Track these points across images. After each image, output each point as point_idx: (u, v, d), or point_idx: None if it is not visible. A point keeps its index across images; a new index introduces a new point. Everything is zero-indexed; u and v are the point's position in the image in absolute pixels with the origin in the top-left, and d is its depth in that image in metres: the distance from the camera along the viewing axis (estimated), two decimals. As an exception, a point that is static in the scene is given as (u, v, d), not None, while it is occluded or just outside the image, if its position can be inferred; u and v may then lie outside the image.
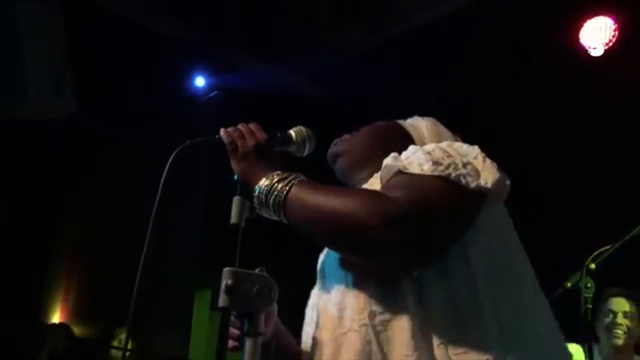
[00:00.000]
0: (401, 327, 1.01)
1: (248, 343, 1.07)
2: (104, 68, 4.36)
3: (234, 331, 1.14)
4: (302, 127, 1.22)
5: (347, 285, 1.09)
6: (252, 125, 1.16)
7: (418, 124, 1.31)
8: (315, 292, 1.19)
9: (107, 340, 4.04)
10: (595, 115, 3.27)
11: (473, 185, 1.03)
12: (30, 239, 5.31)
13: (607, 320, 2.75)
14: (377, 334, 1.03)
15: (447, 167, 1.03)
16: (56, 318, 5.28)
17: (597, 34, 3.33)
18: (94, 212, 5.23)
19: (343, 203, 1.01)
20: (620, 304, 2.74)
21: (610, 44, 3.32)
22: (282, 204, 1.06)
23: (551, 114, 3.39)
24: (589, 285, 2.04)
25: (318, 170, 1.24)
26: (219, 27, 4.29)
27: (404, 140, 1.25)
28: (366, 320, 1.04)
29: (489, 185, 1.04)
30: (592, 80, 3.27)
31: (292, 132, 1.21)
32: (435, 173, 1.02)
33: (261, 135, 1.14)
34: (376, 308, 1.04)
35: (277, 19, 4.24)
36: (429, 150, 1.07)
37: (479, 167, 1.05)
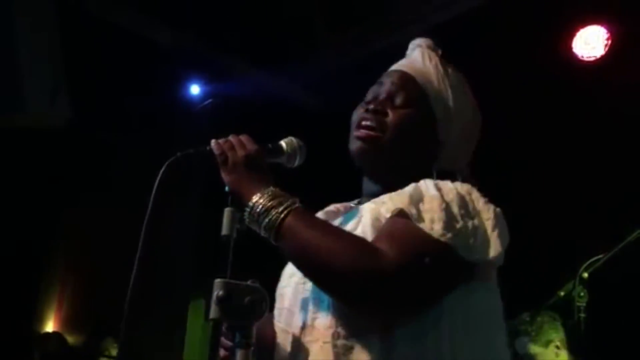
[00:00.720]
0: (361, 354, 1.02)
1: (239, 355, 1.07)
2: (99, 76, 4.35)
3: (225, 342, 1.14)
4: (292, 138, 1.21)
5: (323, 299, 1.09)
6: (242, 137, 1.15)
7: (447, 109, 1.23)
8: (292, 278, 1.18)
9: (92, 349, 4.02)
10: (589, 122, 3.28)
11: (474, 258, 1.03)
12: (26, 248, 5.29)
13: None
14: (337, 356, 1.04)
15: (457, 234, 1.02)
16: (49, 327, 5.25)
17: (589, 43, 3.35)
18: (91, 221, 5.21)
19: (334, 249, 1.01)
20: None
21: (604, 53, 3.34)
22: (274, 229, 1.05)
23: (545, 122, 3.40)
24: (582, 294, 2.05)
25: (306, 178, 1.24)
26: (214, 34, 4.29)
27: (432, 135, 1.22)
28: (329, 339, 1.05)
29: (488, 258, 1.04)
30: (585, 89, 3.29)
31: (282, 143, 1.21)
32: (442, 239, 1.01)
33: (251, 147, 1.14)
34: (341, 331, 1.05)
35: (272, 26, 4.25)
36: (447, 201, 1.04)
37: (488, 233, 1.05)
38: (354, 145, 1.22)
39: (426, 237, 1.01)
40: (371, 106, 1.23)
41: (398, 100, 1.22)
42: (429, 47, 1.31)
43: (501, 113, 3.47)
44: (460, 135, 1.25)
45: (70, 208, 5.49)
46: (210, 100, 4.48)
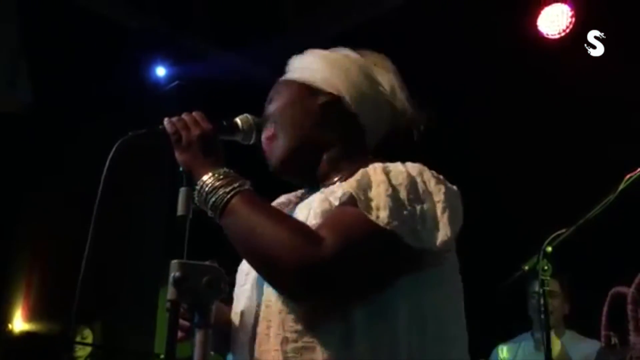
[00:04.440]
0: (313, 344, 1.01)
1: (198, 335, 1.06)
2: (60, 59, 4.25)
3: (184, 323, 1.13)
4: (248, 115, 1.20)
5: (275, 295, 1.07)
6: (196, 115, 1.13)
7: (316, 70, 1.20)
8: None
9: (65, 337, 3.98)
10: (553, 100, 3.32)
11: (421, 245, 1.00)
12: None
13: (534, 301, 2.87)
14: (285, 341, 1.03)
15: (403, 221, 0.99)
16: (17, 316, 5.17)
17: (554, 21, 3.37)
18: (56, 209, 5.12)
19: (273, 235, 0.99)
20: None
21: (567, 31, 3.37)
22: (219, 210, 1.04)
23: (509, 100, 3.43)
24: (546, 268, 2.08)
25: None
26: (179, 16, 4.22)
27: (319, 99, 1.18)
28: (278, 346, 1.03)
29: (437, 244, 1.01)
30: (549, 67, 3.32)
31: (238, 120, 1.19)
32: (388, 227, 0.98)
33: (206, 125, 1.12)
34: (291, 336, 1.03)
35: (239, 7, 4.19)
36: (395, 185, 1.01)
37: (437, 217, 1.02)
38: (271, 168, 1.21)
39: (370, 225, 0.98)
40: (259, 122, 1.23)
41: (273, 99, 1.22)
42: (291, 61, 1.27)
43: (467, 92, 3.50)
44: (356, 81, 1.19)
45: (33, 193, 5.38)
46: (176, 82, 4.42)
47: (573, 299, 2.98)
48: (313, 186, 1.19)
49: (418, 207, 1.01)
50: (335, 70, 1.20)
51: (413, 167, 1.07)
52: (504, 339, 3.12)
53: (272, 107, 1.21)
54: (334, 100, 1.18)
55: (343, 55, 1.23)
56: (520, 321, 3.08)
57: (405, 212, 1.00)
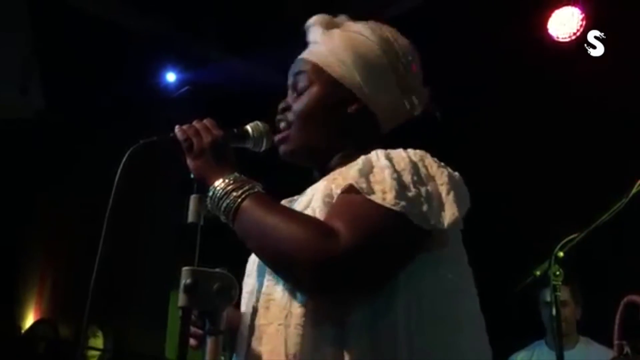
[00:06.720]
0: (316, 337, 1.01)
1: (209, 342, 1.06)
2: (72, 65, 4.29)
3: (196, 330, 1.13)
4: (258, 122, 1.20)
5: (277, 279, 1.07)
6: (207, 122, 1.14)
7: (347, 66, 1.18)
8: (255, 264, 1.16)
9: (77, 339, 4.00)
10: (564, 104, 3.31)
11: (429, 225, 1.00)
12: (1, 241, 5.22)
13: (545, 311, 2.86)
14: (287, 335, 1.02)
15: (410, 201, 0.98)
16: (29, 320, 5.21)
17: (564, 24, 3.35)
18: (67, 212, 5.15)
19: (286, 233, 0.99)
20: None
21: (578, 34, 3.35)
22: (232, 213, 1.04)
23: (520, 103, 3.42)
24: (557, 273, 2.06)
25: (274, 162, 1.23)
26: (189, 21, 4.24)
27: (351, 101, 1.18)
28: (282, 320, 1.03)
29: (444, 225, 1.00)
30: (560, 70, 3.31)
31: (248, 127, 1.20)
32: (396, 208, 0.97)
33: (217, 132, 1.12)
34: (295, 311, 1.03)
35: (248, 11, 4.21)
36: (399, 170, 1.02)
37: (443, 199, 1.02)
38: (279, 150, 1.22)
39: (379, 209, 0.98)
40: (280, 105, 1.24)
41: (299, 88, 1.21)
42: (316, 22, 1.25)
43: (477, 95, 3.49)
44: (383, 84, 1.19)
45: (46, 196, 5.42)
46: (186, 87, 4.45)
47: (584, 304, 2.96)
48: (323, 172, 1.19)
49: (423, 189, 1.01)
50: (362, 69, 1.18)
51: (414, 153, 1.08)
52: (515, 345, 3.11)
53: (300, 104, 1.20)
54: (362, 109, 1.19)
55: (374, 46, 1.20)
56: (531, 327, 3.06)
57: (410, 194, 1.00)
